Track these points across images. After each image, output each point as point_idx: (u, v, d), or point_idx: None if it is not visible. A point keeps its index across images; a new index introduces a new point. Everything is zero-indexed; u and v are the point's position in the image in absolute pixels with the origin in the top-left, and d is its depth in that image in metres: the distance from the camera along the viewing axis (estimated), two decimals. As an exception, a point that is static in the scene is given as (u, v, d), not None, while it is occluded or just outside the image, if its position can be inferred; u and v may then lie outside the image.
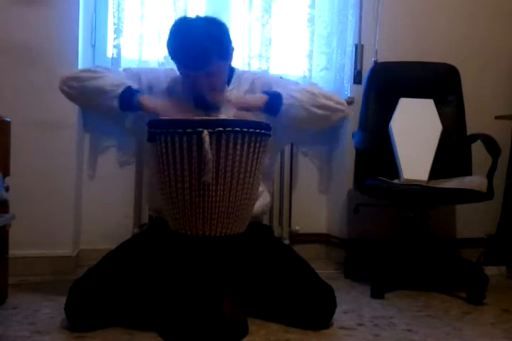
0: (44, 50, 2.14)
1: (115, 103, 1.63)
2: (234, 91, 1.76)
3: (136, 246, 1.72)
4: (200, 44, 1.55)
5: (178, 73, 1.74)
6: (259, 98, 1.66)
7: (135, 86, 1.70)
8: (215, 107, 1.68)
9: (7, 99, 2.09)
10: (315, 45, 2.53)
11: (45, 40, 2.14)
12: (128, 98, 1.63)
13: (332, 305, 1.64)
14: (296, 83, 1.88)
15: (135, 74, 1.78)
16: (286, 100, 1.64)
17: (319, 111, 1.69)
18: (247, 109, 1.66)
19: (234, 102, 1.67)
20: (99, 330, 1.52)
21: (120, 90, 1.62)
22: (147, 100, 1.64)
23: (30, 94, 2.13)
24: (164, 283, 1.59)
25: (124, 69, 1.85)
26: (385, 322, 1.71)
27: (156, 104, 1.63)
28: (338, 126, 2.60)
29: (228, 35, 1.66)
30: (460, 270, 2.13)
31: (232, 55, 1.69)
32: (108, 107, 1.65)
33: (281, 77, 1.93)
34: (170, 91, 1.75)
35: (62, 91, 1.74)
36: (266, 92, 1.68)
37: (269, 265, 1.68)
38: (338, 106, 1.73)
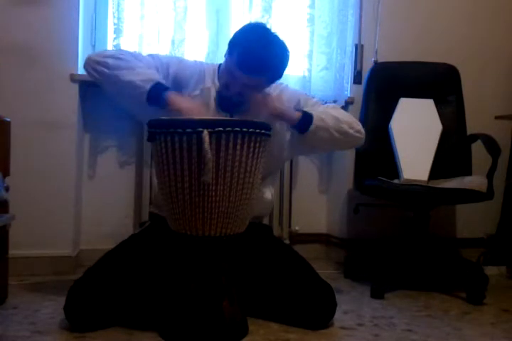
0: (44, 50, 2.14)
1: (143, 98, 1.61)
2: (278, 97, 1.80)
3: (135, 245, 1.72)
4: (275, 57, 1.65)
5: (205, 67, 1.79)
6: (295, 113, 1.70)
7: (162, 76, 1.69)
8: (237, 110, 1.72)
9: (7, 99, 2.09)
10: (315, 45, 2.53)
11: (45, 40, 2.14)
12: (156, 95, 1.60)
13: (332, 305, 1.64)
14: (322, 103, 1.91)
15: (164, 63, 1.76)
16: (316, 121, 1.70)
17: (339, 137, 1.75)
18: (281, 117, 1.70)
19: (276, 108, 1.69)
20: (100, 330, 1.52)
21: (149, 86, 1.60)
22: (174, 100, 1.61)
23: (30, 94, 2.13)
24: (164, 283, 1.59)
25: (151, 56, 1.79)
26: (385, 322, 1.71)
27: (181, 105, 1.60)
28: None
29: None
30: (460, 270, 2.13)
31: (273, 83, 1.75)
32: (134, 99, 1.64)
33: (306, 94, 1.98)
34: (197, 86, 1.75)
35: (88, 72, 1.72)
36: (299, 110, 1.73)
37: (269, 264, 1.68)
38: (357, 134, 1.80)
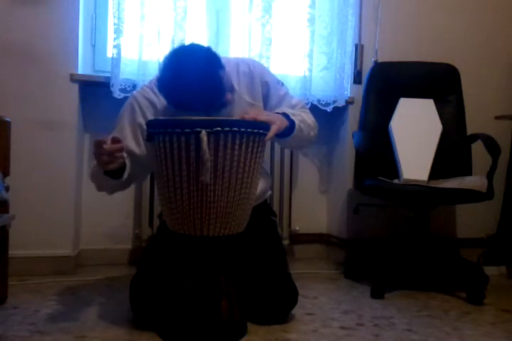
0: (44, 50, 2.15)
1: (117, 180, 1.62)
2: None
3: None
4: (192, 83, 1.47)
5: None
6: (285, 121, 1.60)
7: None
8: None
9: (7, 99, 2.09)
10: (315, 45, 2.52)
11: (45, 40, 2.15)
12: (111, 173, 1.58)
13: (292, 295, 1.65)
14: (293, 97, 1.84)
15: (137, 123, 1.67)
16: (295, 132, 1.63)
17: (304, 143, 1.81)
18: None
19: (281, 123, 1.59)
20: (99, 330, 1.53)
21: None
22: None
23: (30, 94, 2.13)
24: (163, 283, 1.59)
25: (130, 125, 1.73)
26: (385, 322, 1.71)
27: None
28: (339, 125, 2.61)
29: (220, 77, 1.54)
30: (460, 270, 2.13)
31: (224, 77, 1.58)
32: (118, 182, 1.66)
33: (277, 80, 1.82)
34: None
35: None
36: (286, 117, 1.62)
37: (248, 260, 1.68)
38: (314, 139, 1.81)
